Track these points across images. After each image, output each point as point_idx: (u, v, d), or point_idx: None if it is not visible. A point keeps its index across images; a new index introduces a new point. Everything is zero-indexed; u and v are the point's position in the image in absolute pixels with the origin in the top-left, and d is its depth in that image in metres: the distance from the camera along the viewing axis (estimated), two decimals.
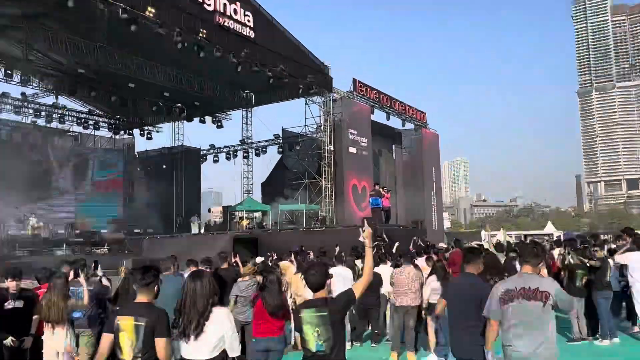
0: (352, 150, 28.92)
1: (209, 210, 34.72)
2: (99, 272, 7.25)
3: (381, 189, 20.73)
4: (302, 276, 8.76)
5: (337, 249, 13.15)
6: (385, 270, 9.78)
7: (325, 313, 3.76)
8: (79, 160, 33.83)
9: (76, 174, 33.52)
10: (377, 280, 8.78)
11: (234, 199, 35.48)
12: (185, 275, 8.34)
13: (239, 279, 7.50)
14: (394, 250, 13.38)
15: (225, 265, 9.15)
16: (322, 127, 28.74)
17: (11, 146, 29.76)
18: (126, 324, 3.86)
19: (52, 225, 26.35)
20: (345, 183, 28.13)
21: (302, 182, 30.18)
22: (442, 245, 14.79)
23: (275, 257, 12.37)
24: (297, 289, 9.36)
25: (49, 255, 20.91)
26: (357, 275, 10.08)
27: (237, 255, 9.74)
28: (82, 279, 6.48)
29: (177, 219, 34.78)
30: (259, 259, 12.54)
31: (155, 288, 4.04)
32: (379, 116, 32.69)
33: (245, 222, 28.51)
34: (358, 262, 10.57)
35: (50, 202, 31.66)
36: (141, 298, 4.01)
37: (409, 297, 8.29)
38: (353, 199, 28.42)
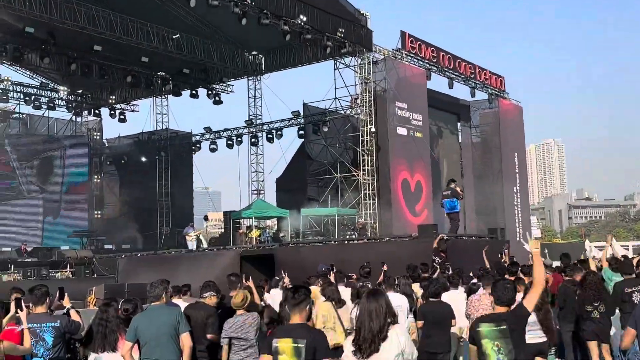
0: (402, 131, 28.80)
1: (206, 218, 35.19)
2: (67, 302, 7.42)
3: (458, 188, 20.69)
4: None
5: (384, 269, 13.09)
6: (456, 297, 9.70)
7: (505, 327, 4.98)
8: (44, 158, 34.82)
9: (38, 174, 34.53)
10: (445, 312, 8.71)
11: (239, 202, 35.96)
12: (183, 305, 8.48)
13: (236, 314, 7.52)
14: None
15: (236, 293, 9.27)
16: (358, 100, 28.68)
17: None
18: (285, 346, 4.96)
19: None
20: (392, 177, 28.05)
21: (332, 177, 30.26)
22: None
23: (286, 279, 12.47)
24: (329, 322, 9.40)
25: None
26: (415, 304, 10.03)
27: (250, 279, 9.82)
28: (23, 313, 6.66)
29: (162, 229, 35.36)
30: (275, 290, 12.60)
31: (308, 308, 5.16)
32: (437, 83, 32.41)
33: (255, 233, 28.78)
34: (416, 287, 10.51)
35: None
36: (295, 319, 5.15)
37: None
38: (404, 199, 28.30)
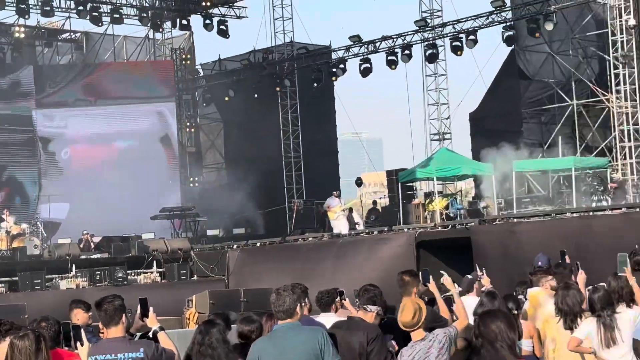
0: None
1: (359, 182, 35.37)
2: (152, 320, 7.65)
3: None
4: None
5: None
6: None
7: None
8: None
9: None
10: None
11: (410, 154, 35.67)
12: (331, 322, 8.58)
13: (412, 341, 7.49)
14: None
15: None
16: None
17: None
18: None
19: (36, 231, 29.00)
20: None
21: (565, 107, 29.64)
22: None
23: (485, 279, 12.35)
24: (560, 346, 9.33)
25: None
26: None
27: (430, 279, 9.73)
28: (83, 349, 7.04)
29: (292, 203, 35.99)
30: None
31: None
32: None
33: (439, 204, 28.79)
34: None
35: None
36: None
37: None
38: None
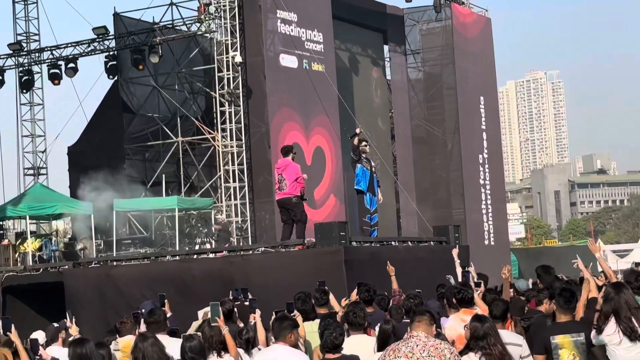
0: (288, 62, 29.27)
1: None
2: None
3: (361, 142, 20.62)
4: None
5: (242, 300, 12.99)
6: (366, 344, 9.93)
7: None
8: None
9: None
10: None
11: (2, 192, 35.14)
12: None
13: None
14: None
15: None
16: (212, 8, 28.81)
17: None
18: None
19: None
20: (273, 141, 28.40)
21: (170, 144, 30.38)
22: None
23: (73, 328, 12.57)
24: None
25: None
26: None
27: (12, 329, 9.72)
28: None
29: None
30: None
31: None
32: None
33: (32, 245, 28.42)
34: (312, 326, 10.69)
35: None
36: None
37: None
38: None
